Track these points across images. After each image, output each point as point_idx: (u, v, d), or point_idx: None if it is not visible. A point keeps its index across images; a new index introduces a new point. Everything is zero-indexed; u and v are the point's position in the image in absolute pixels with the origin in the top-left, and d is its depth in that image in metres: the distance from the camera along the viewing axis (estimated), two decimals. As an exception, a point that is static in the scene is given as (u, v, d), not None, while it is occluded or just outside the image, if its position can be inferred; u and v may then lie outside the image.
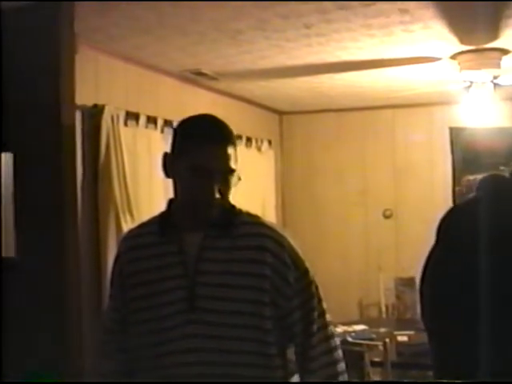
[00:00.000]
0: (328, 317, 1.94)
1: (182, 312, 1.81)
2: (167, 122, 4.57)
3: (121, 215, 3.90)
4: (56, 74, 1.76)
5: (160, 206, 4.17)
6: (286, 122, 7.15)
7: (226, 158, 1.80)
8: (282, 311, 1.85)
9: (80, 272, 1.87)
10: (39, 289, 1.86)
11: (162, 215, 1.95)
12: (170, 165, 1.87)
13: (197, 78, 4.94)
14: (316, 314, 1.90)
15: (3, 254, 1.93)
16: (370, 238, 6.70)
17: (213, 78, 4.98)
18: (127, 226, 3.89)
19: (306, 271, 1.91)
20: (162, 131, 4.54)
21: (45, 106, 1.80)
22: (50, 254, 1.83)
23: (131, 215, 3.97)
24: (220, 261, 1.83)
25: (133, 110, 4.20)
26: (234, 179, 1.84)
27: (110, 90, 4.09)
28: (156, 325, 1.85)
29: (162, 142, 4.50)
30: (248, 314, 1.80)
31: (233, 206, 1.92)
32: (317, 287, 1.93)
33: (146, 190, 4.26)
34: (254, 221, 1.93)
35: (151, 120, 4.42)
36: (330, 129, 6.91)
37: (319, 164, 6.93)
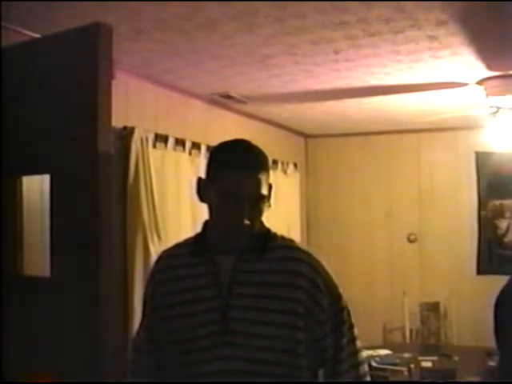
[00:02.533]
0: (358, 343, 1.94)
1: (214, 334, 1.83)
2: (195, 145, 4.63)
3: (148, 236, 3.93)
4: (94, 99, 1.80)
5: (187, 228, 4.26)
6: (311, 145, 7.18)
7: (257, 184, 1.81)
8: (315, 335, 1.86)
9: (114, 293, 1.90)
10: (72, 309, 1.89)
11: (197, 236, 1.97)
12: (204, 189, 1.89)
13: (225, 101, 4.99)
14: (346, 340, 1.90)
15: (39, 274, 1.98)
16: (395, 262, 6.68)
17: (240, 101, 5.04)
18: (154, 247, 3.93)
19: (339, 296, 1.92)
20: (190, 153, 4.59)
21: (82, 130, 1.84)
22: (85, 274, 1.86)
23: (159, 236, 4.01)
24: (254, 284, 1.84)
25: (162, 132, 4.26)
26: (265, 205, 1.86)
27: (140, 112, 4.15)
28: (188, 346, 1.86)
29: (189, 165, 4.55)
30: (281, 337, 1.81)
31: (268, 230, 1.94)
32: (349, 313, 1.93)
33: (174, 211, 4.31)
34: (288, 245, 1.95)
35: (179, 142, 4.47)
36: (356, 152, 6.94)
37: (344, 187, 6.94)
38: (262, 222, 1.92)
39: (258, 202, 1.83)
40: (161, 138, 4.24)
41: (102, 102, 1.80)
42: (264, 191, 1.83)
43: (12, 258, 2.02)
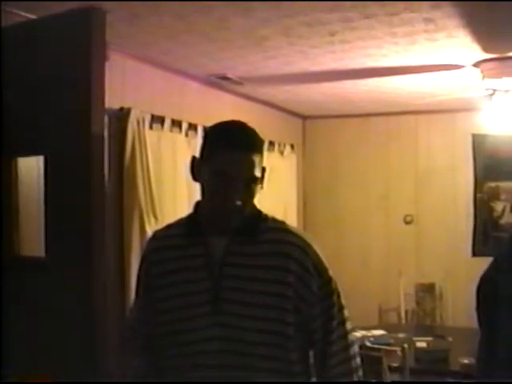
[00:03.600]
0: (349, 325, 1.95)
1: (205, 315, 1.84)
2: (191, 126, 4.65)
3: (145, 217, 3.96)
4: (87, 81, 1.82)
5: (183, 209, 4.28)
6: (308, 126, 7.19)
7: (250, 165, 1.81)
8: (304, 317, 1.87)
9: (107, 273, 1.93)
10: (67, 288, 1.92)
11: (189, 217, 1.98)
12: (197, 168, 1.90)
13: (221, 82, 5.00)
14: (335, 322, 1.91)
15: (33, 254, 2.01)
16: (391, 244, 6.72)
17: (237, 83, 5.04)
18: (151, 228, 3.95)
19: (329, 279, 1.92)
20: (187, 135, 4.60)
21: (75, 112, 1.86)
22: (79, 254, 1.88)
23: (155, 217, 4.04)
24: (245, 266, 1.86)
25: (158, 113, 4.27)
26: (257, 187, 1.87)
27: (136, 93, 4.16)
28: (180, 326, 1.88)
29: (186, 146, 4.57)
30: (271, 319, 1.83)
31: (259, 212, 1.94)
32: (339, 295, 1.94)
33: (170, 192, 4.32)
34: (280, 227, 1.95)
35: (176, 123, 4.48)
36: (353, 134, 6.95)
37: (341, 169, 6.96)
38: (253, 204, 1.93)
39: (250, 183, 1.83)
40: (157, 119, 4.25)
41: (95, 83, 1.82)
42: (257, 173, 1.83)
43: (8, 239, 2.04)
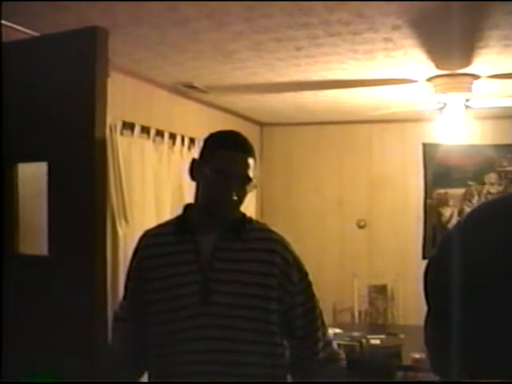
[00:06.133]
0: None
1: (195, 304, 2.04)
2: (159, 132, 4.82)
3: (117, 221, 4.11)
4: (91, 95, 2.00)
5: (152, 213, 4.42)
6: (266, 133, 7.39)
7: (247, 166, 2.06)
8: (285, 306, 2.11)
9: (106, 268, 2.11)
10: (69, 284, 2.09)
11: (179, 218, 2.19)
12: (197, 169, 2.13)
13: (187, 90, 5.18)
14: (318, 310, 2.18)
15: (38, 253, 2.17)
16: (345, 247, 6.98)
17: (202, 91, 5.23)
18: (122, 230, 4.12)
19: (306, 274, 2.18)
20: (154, 141, 4.77)
21: (80, 122, 2.04)
22: (81, 253, 2.06)
23: (126, 221, 4.19)
24: (232, 260, 2.08)
25: (128, 120, 4.43)
26: (250, 186, 2.10)
27: (109, 100, 4.29)
28: (171, 315, 2.07)
29: (153, 152, 4.73)
30: (256, 307, 2.05)
31: (244, 215, 2.18)
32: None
33: (139, 196, 4.47)
34: (263, 227, 2.21)
35: (144, 130, 4.65)
36: (309, 141, 7.19)
37: (298, 175, 7.19)
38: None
39: (246, 181, 2.08)
40: (127, 126, 4.41)
41: (99, 97, 2.01)
42: (250, 173, 2.08)
43: (10, 239, 2.20)
